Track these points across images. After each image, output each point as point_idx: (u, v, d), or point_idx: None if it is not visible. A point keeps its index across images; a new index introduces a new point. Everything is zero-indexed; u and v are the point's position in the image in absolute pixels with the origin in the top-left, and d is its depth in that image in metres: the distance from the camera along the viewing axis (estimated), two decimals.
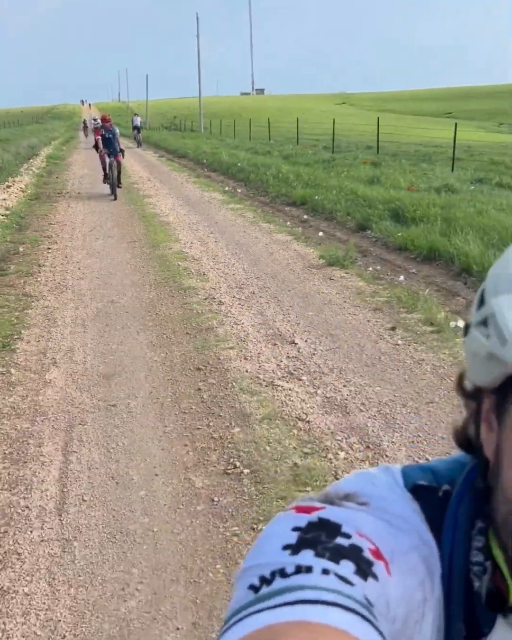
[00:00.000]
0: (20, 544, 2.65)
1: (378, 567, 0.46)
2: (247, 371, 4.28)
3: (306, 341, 4.77)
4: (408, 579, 0.47)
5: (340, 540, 0.47)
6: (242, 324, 5.21)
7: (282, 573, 0.44)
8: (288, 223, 9.69)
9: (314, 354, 4.53)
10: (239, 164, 16.42)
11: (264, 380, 4.12)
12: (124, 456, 3.30)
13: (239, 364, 4.41)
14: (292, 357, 4.48)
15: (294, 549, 0.46)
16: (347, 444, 3.33)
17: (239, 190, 13.59)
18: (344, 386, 4.01)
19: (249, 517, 2.76)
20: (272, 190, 12.53)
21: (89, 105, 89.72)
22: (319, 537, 0.47)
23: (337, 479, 2.94)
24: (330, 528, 0.48)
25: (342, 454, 3.22)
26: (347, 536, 0.47)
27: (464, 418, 0.54)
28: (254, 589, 0.44)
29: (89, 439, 3.49)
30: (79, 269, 7.20)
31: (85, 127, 37.38)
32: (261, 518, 2.73)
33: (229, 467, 3.15)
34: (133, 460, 3.26)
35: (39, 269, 7.21)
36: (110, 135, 12.83)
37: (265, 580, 0.44)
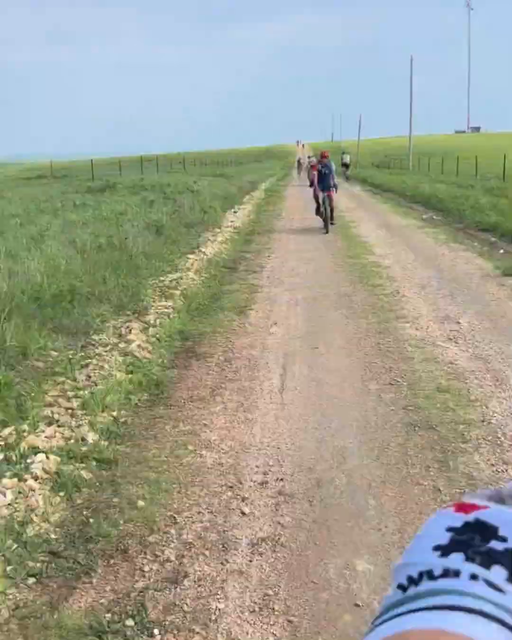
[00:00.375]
0: (258, 405, 4.33)
1: None
2: (416, 336, 5.66)
3: (468, 322, 5.99)
4: None
5: (494, 544, 0.45)
6: (419, 309, 6.57)
7: (430, 575, 0.44)
8: (475, 244, 10.76)
9: (473, 330, 5.75)
10: (439, 196, 17.54)
11: (427, 342, 5.47)
12: (321, 372, 4.88)
13: (411, 331, 5.80)
14: (454, 331, 5.75)
15: (445, 550, 0.46)
16: (481, 376, 4.58)
17: (436, 218, 14.77)
18: (491, 348, 5.21)
19: (402, 403, 4.19)
20: (468, 218, 13.52)
21: (303, 145, 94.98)
22: (473, 539, 0.46)
23: (469, 394, 4.24)
24: (486, 530, 0.47)
25: (476, 382, 4.48)
26: (504, 540, 0.46)
27: None
28: (402, 588, 0.44)
29: (299, 361, 5.14)
30: (292, 270, 9.06)
31: (299, 165, 40.47)
32: (411, 406, 4.12)
33: (392, 381, 4.58)
34: (328, 375, 4.82)
35: (261, 269, 9.20)
36: (326, 171, 13.73)
37: (412, 580, 0.44)
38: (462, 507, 0.49)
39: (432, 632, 0.35)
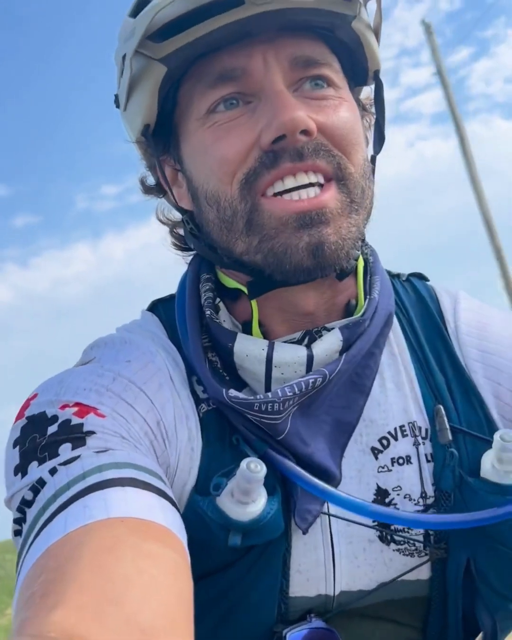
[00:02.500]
0: None
1: (89, 421, 0.50)
2: None
3: None
4: (140, 397, 0.53)
5: (50, 429, 0.49)
6: None
7: (27, 502, 0.47)
8: None
9: None
10: None
11: None
12: None
13: None
14: None
15: (21, 469, 0.49)
16: None
17: None
18: None
19: None
20: None
21: None
22: (34, 440, 0.49)
23: None
24: (38, 422, 0.51)
25: None
26: (54, 420, 0.50)
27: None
28: (18, 530, 0.47)
29: None
30: None
31: None
32: None
33: None
34: None
35: None
36: None
37: (22, 519, 0.47)
38: (19, 414, 0.53)
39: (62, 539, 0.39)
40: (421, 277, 0.71)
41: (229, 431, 0.57)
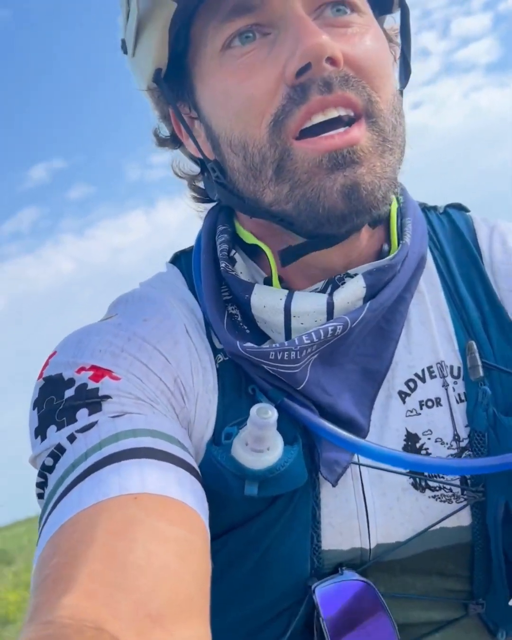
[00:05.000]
0: None
1: (104, 385, 0.50)
2: None
3: None
4: (154, 356, 0.53)
5: (67, 393, 0.50)
6: None
7: (48, 468, 0.48)
8: None
9: None
10: None
11: None
12: None
13: None
14: None
15: (41, 433, 0.49)
16: None
17: None
18: None
19: None
20: None
21: None
22: (51, 403, 0.50)
23: None
24: (55, 384, 0.51)
25: None
26: (71, 383, 0.50)
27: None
28: (40, 493, 0.48)
29: None
30: None
31: None
32: None
33: None
34: None
35: None
36: None
37: (44, 483, 0.48)
38: (40, 373, 0.53)
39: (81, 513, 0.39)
40: (460, 208, 0.66)
41: (245, 382, 0.56)
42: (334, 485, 0.55)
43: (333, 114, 0.49)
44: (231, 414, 0.54)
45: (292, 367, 0.52)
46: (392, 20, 0.60)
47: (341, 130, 0.49)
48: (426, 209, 0.65)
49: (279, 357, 0.52)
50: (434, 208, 0.66)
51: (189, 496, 0.43)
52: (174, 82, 0.56)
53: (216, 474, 0.52)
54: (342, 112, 0.49)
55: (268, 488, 0.51)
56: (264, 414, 0.49)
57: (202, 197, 0.65)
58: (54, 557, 0.38)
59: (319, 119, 0.49)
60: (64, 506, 0.42)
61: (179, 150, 0.64)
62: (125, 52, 0.58)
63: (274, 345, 0.53)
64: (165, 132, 0.63)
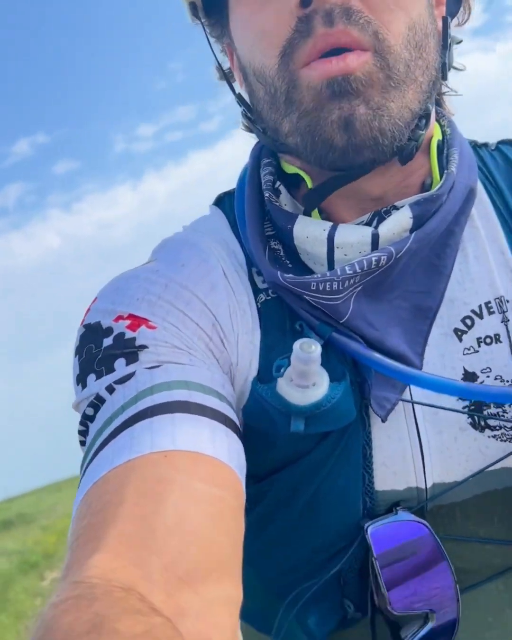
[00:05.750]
0: None
1: (141, 334, 0.50)
2: None
3: None
4: (192, 302, 0.53)
5: (105, 342, 0.51)
6: None
7: (89, 417, 0.49)
8: None
9: None
10: None
11: None
12: None
13: None
14: None
15: (81, 380, 0.50)
16: None
17: None
18: None
19: None
20: None
21: None
22: (91, 351, 0.51)
23: None
24: (94, 332, 0.52)
25: None
26: (109, 332, 0.51)
27: None
28: (82, 441, 0.49)
29: None
30: None
31: None
32: None
33: None
34: None
35: None
36: None
37: (85, 431, 0.49)
38: (82, 321, 0.54)
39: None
40: None
41: (291, 318, 0.55)
42: (384, 421, 0.53)
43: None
44: (276, 352, 0.53)
45: (334, 298, 0.51)
46: None
47: (340, 56, 0.47)
48: (476, 146, 0.63)
49: (320, 288, 0.50)
50: (485, 145, 0.63)
51: (222, 452, 0.43)
52: (215, 17, 0.57)
53: (262, 411, 0.51)
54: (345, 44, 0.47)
55: (315, 424, 0.50)
56: (308, 348, 0.48)
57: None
58: (85, 517, 0.39)
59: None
60: (99, 461, 0.42)
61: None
62: None
63: (315, 275, 0.51)
64: (226, 65, 0.63)
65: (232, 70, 0.61)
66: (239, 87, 0.59)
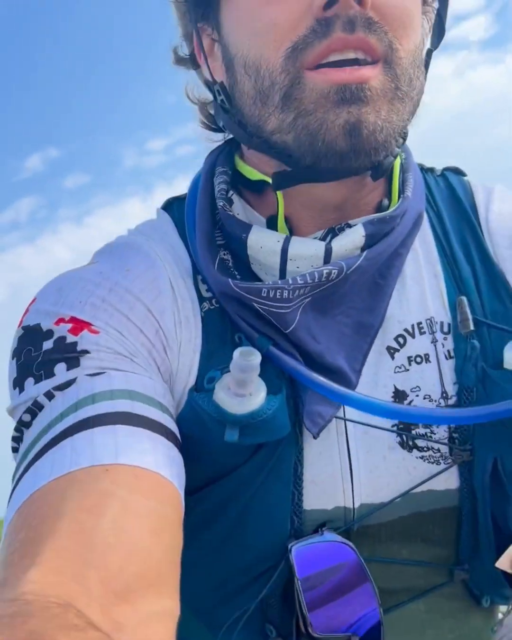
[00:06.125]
0: None
1: (83, 339, 0.49)
2: None
3: None
4: (136, 307, 0.52)
5: (45, 345, 0.49)
6: None
7: (24, 424, 0.47)
8: None
9: None
10: None
11: None
12: None
13: None
14: None
15: (19, 384, 0.49)
16: None
17: None
18: None
19: None
20: None
21: None
22: (30, 354, 0.49)
23: None
24: (33, 335, 0.50)
25: None
26: (49, 335, 0.49)
27: None
28: (15, 448, 0.48)
29: None
30: None
31: None
32: None
33: None
34: None
35: None
36: None
37: (19, 438, 0.47)
38: (19, 323, 0.52)
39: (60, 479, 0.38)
40: (457, 172, 0.66)
41: (232, 329, 0.54)
42: (315, 437, 0.53)
43: (350, 55, 0.48)
44: (215, 361, 0.53)
45: (283, 306, 0.51)
46: None
47: (355, 67, 0.48)
48: (423, 170, 0.65)
49: (271, 295, 0.50)
50: (431, 170, 0.66)
51: (163, 466, 0.42)
52: (201, 0, 0.55)
53: (197, 420, 0.50)
54: (360, 56, 0.48)
55: (249, 435, 0.50)
56: (248, 356, 0.48)
57: (211, 124, 0.64)
58: (21, 530, 0.37)
59: (335, 57, 0.48)
60: (36, 471, 0.41)
61: (196, 73, 0.63)
62: None
63: (267, 282, 0.52)
64: (185, 51, 0.62)
65: (198, 56, 0.59)
66: (209, 75, 0.57)
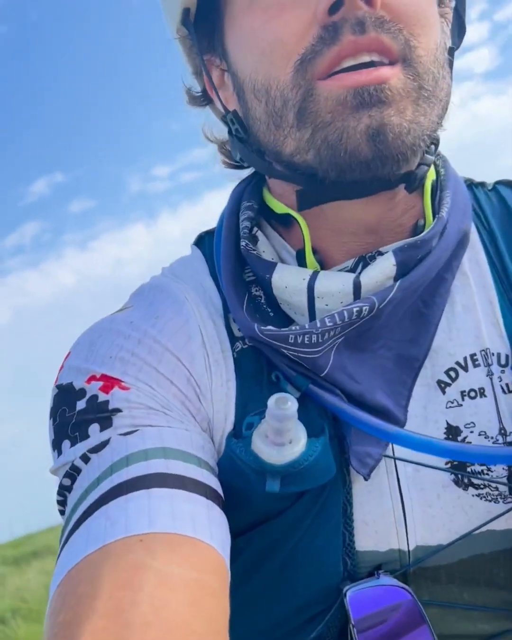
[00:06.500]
0: None
1: (114, 397, 0.48)
2: None
3: None
4: (165, 357, 0.51)
5: (78, 405, 0.48)
6: None
7: (66, 488, 0.47)
8: None
9: None
10: None
11: None
12: None
13: None
14: None
15: (57, 447, 0.49)
16: None
17: None
18: None
19: None
20: None
21: None
22: (64, 415, 0.49)
23: None
24: (67, 394, 0.50)
25: None
26: (82, 394, 0.49)
27: None
28: (61, 510, 0.47)
29: None
30: None
31: None
32: None
33: None
34: None
35: None
36: None
37: (62, 502, 0.47)
38: (55, 380, 0.52)
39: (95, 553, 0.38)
40: (510, 185, 0.60)
41: (267, 369, 0.52)
42: (366, 479, 0.50)
43: (365, 58, 0.44)
44: (253, 405, 0.51)
45: (313, 351, 0.48)
46: None
47: (371, 68, 0.44)
48: (472, 185, 0.60)
49: (299, 341, 0.48)
50: (482, 184, 0.61)
51: (201, 529, 0.41)
52: (205, 28, 0.53)
53: (236, 469, 0.49)
54: (375, 58, 0.44)
55: (291, 484, 0.48)
56: (283, 405, 0.45)
57: (233, 161, 0.62)
58: (60, 612, 0.37)
59: (349, 62, 0.44)
60: (73, 544, 0.41)
61: (211, 110, 0.61)
62: None
63: (293, 327, 0.49)
64: (197, 89, 0.60)
65: (209, 90, 0.57)
66: (221, 107, 0.55)
